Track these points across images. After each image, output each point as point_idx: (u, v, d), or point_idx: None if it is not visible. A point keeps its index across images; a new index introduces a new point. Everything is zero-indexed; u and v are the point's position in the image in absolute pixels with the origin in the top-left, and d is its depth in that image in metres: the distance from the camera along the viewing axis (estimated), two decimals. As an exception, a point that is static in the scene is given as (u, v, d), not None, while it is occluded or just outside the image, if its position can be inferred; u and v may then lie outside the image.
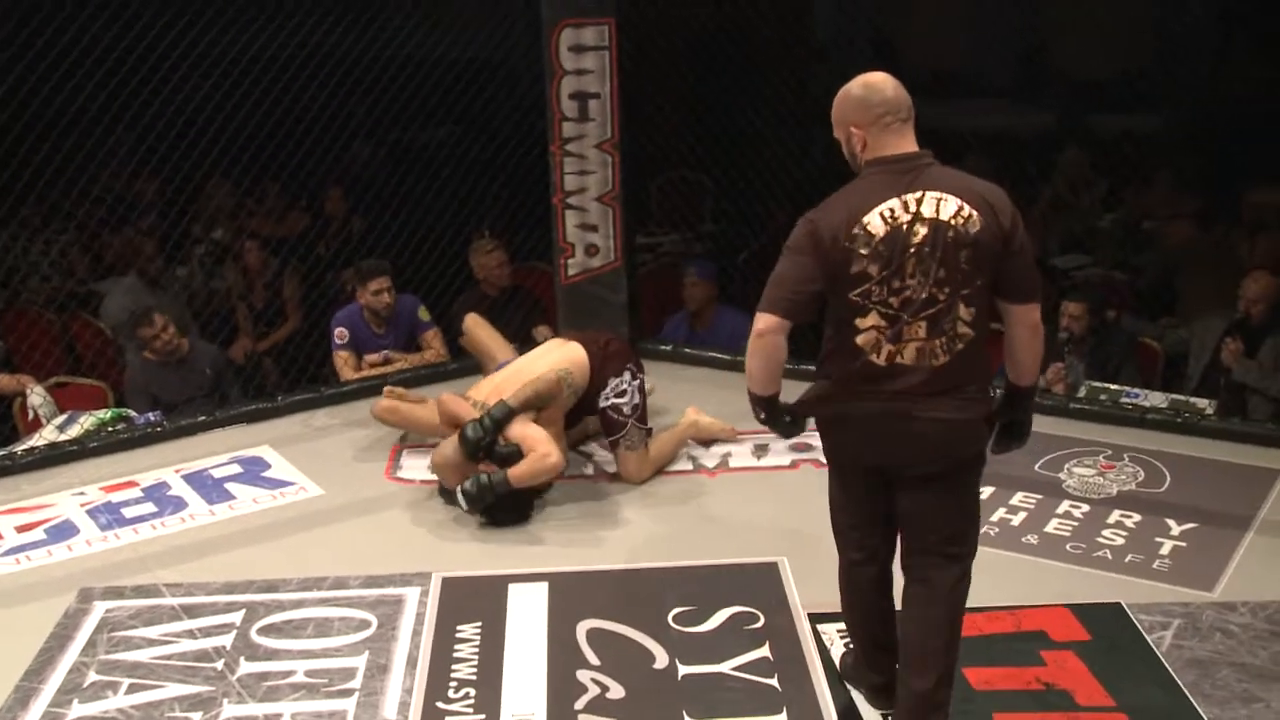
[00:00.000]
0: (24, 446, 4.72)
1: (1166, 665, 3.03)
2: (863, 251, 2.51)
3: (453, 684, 3.08)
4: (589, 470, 4.38)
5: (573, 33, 5.07)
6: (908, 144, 2.58)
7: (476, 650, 3.22)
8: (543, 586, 3.52)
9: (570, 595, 3.47)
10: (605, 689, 3.03)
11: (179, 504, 4.23)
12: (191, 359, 5.20)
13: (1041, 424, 4.09)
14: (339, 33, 5.41)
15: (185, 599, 3.53)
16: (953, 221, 2.50)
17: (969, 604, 2.71)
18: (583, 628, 3.29)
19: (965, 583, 2.69)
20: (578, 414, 4.32)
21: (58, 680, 3.15)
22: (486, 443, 3.94)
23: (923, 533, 2.67)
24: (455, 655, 3.20)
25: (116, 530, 4.04)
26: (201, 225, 6.87)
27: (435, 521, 4.03)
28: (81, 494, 4.33)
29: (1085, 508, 3.93)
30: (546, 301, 5.65)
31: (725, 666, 3.10)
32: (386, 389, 4.65)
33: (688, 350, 5.46)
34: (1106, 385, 4.79)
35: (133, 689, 3.11)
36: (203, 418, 4.90)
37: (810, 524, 3.47)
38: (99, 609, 3.51)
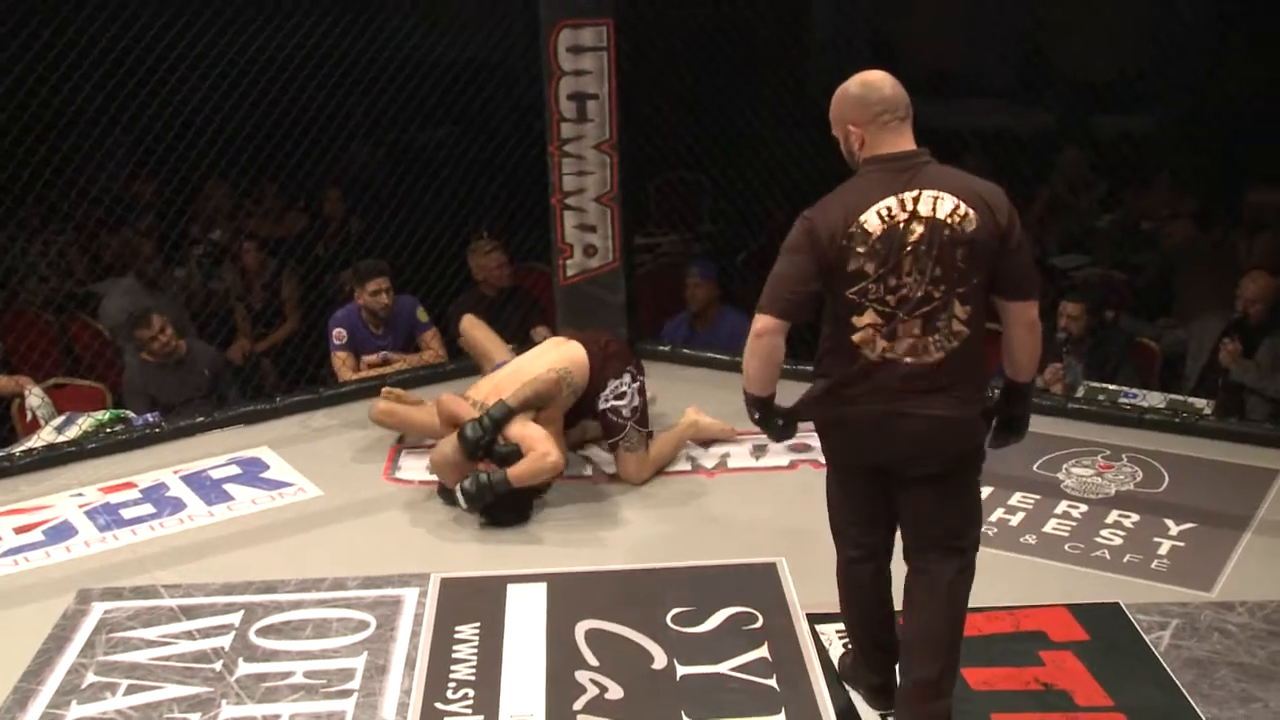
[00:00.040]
0: (22, 448, 4.72)
1: (1165, 665, 3.03)
2: (859, 250, 2.51)
3: (451, 684, 3.08)
4: (587, 471, 4.37)
5: (571, 33, 5.07)
6: (905, 142, 2.58)
7: (475, 651, 3.22)
8: (541, 587, 3.52)
9: (569, 596, 3.47)
10: (604, 689, 3.03)
11: (177, 505, 4.23)
12: (189, 360, 5.20)
13: (1040, 424, 4.09)
14: (337, 33, 5.40)
15: (184, 600, 3.53)
16: (949, 220, 2.50)
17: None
18: (581, 628, 3.29)
19: (968, 574, 2.71)
20: (577, 414, 4.32)
21: (56, 681, 3.15)
22: (485, 442, 3.94)
23: (924, 529, 2.69)
24: (454, 656, 3.20)
25: (115, 531, 4.04)
26: (200, 226, 6.87)
27: (434, 522, 4.03)
28: (80, 495, 4.33)
29: (1083, 508, 3.93)
30: (545, 302, 5.65)
31: (724, 667, 3.10)
32: (384, 390, 4.65)
33: (686, 351, 5.46)
34: (1105, 385, 4.79)
35: (131, 690, 3.11)
36: (201, 419, 4.90)
37: (808, 524, 3.47)
38: (97, 610, 3.51)
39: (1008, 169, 5.43)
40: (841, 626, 3.04)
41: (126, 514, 4.16)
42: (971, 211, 2.51)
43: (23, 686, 3.13)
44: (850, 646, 3.00)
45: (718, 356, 5.30)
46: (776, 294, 2.59)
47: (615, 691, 3.02)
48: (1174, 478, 4.13)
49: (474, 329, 4.79)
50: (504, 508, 3.94)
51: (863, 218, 2.52)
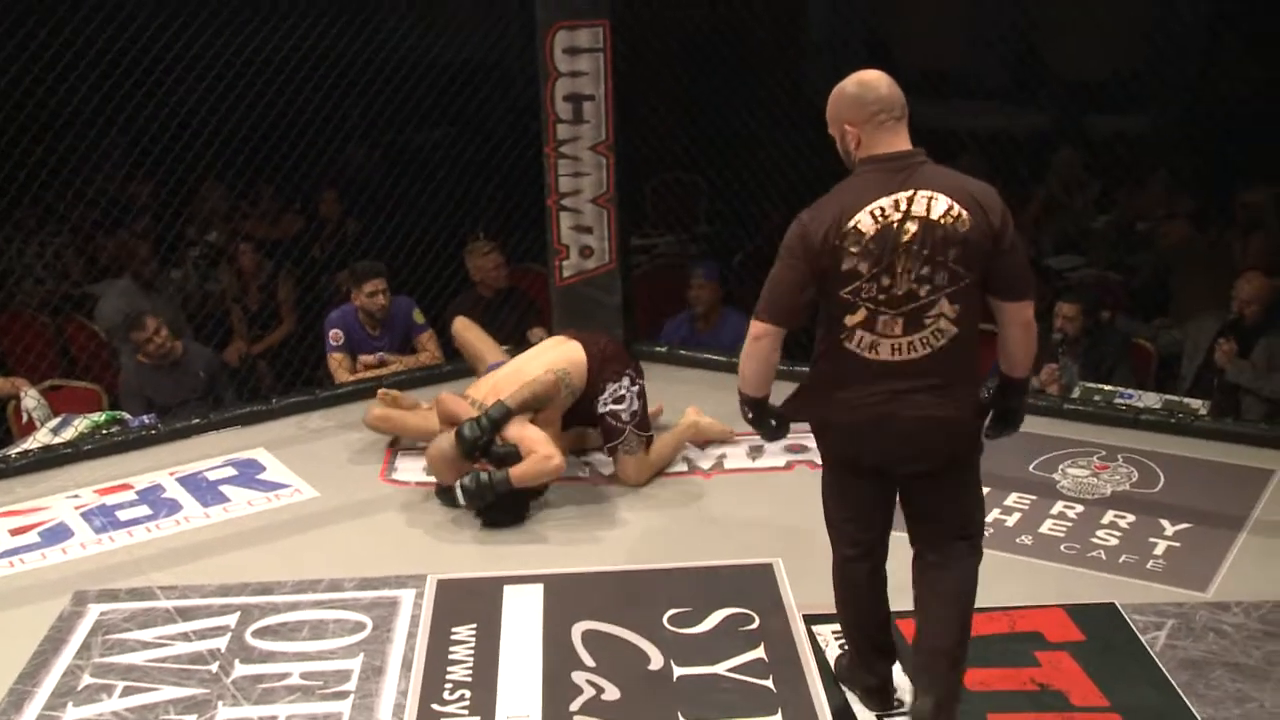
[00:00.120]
0: (18, 449, 4.71)
1: (1160, 665, 3.04)
2: (853, 250, 2.53)
3: (448, 686, 3.08)
4: (584, 473, 4.37)
5: (567, 35, 5.07)
6: (901, 142, 2.60)
7: (471, 652, 3.22)
8: (538, 588, 3.52)
9: (565, 597, 3.47)
10: (600, 690, 3.03)
11: (173, 507, 4.22)
12: (185, 362, 5.20)
13: (1036, 425, 4.12)
14: (333, 34, 5.40)
15: (180, 601, 3.53)
16: (942, 220, 2.52)
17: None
18: (578, 629, 3.29)
19: (977, 556, 2.74)
20: (575, 416, 4.32)
21: (52, 683, 3.15)
22: (483, 443, 3.94)
23: (928, 521, 2.73)
24: (450, 657, 3.20)
25: (111, 533, 4.04)
26: (196, 228, 6.86)
27: (430, 523, 4.03)
28: (76, 497, 4.32)
29: (1079, 508, 3.94)
30: (541, 303, 5.65)
31: (720, 668, 3.11)
32: (380, 392, 4.65)
33: (683, 352, 5.46)
34: (1100, 386, 4.80)
35: (127, 692, 3.11)
36: (197, 420, 4.89)
37: (805, 525, 3.48)
38: (93, 612, 3.50)
39: (1003, 169, 5.44)
40: (838, 627, 3.04)
41: (122, 515, 4.16)
42: (965, 212, 2.52)
43: (18, 688, 3.13)
44: (846, 647, 3.00)
45: (715, 358, 5.30)
46: (772, 300, 2.62)
47: (612, 692, 3.02)
48: (1169, 478, 4.14)
49: (467, 331, 4.79)
50: (502, 508, 3.94)
51: (857, 217, 2.53)
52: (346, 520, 4.09)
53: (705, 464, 4.40)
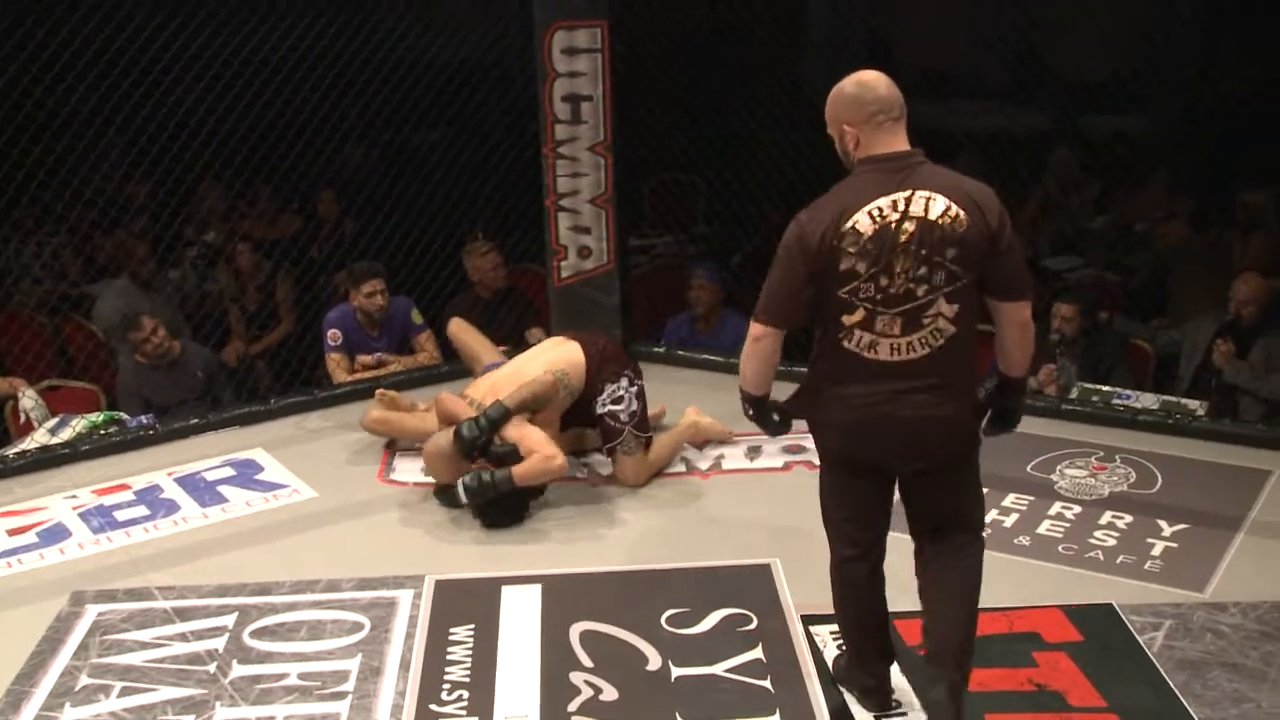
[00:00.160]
0: (15, 450, 4.71)
1: (1158, 666, 3.04)
2: (851, 250, 2.54)
3: (446, 686, 3.08)
4: (582, 473, 4.37)
5: (565, 35, 5.07)
6: (900, 142, 2.61)
7: (470, 653, 3.22)
8: (536, 589, 3.52)
9: (563, 597, 3.47)
10: (598, 691, 3.03)
11: (171, 507, 4.22)
12: (183, 362, 5.19)
13: (1033, 425, 4.12)
14: (331, 34, 5.40)
15: (178, 602, 3.53)
16: (940, 221, 2.53)
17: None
18: (576, 630, 3.29)
19: (980, 547, 2.77)
20: (573, 416, 4.31)
21: (49, 684, 3.15)
22: (482, 442, 3.94)
23: (928, 518, 2.75)
24: (448, 658, 3.20)
25: (109, 533, 4.03)
26: (194, 228, 6.86)
27: (428, 524, 4.03)
28: (73, 497, 4.32)
29: (1077, 509, 3.94)
30: (539, 304, 5.65)
31: (718, 668, 3.11)
32: (379, 392, 4.66)
33: (681, 353, 5.46)
34: (1098, 387, 4.80)
35: (125, 692, 3.11)
36: (195, 420, 4.89)
37: (803, 526, 3.48)
38: (91, 612, 3.50)
39: (1001, 169, 5.44)
40: (836, 628, 3.04)
41: (120, 516, 4.16)
42: (962, 212, 2.53)
43: (16, 689, 3.12)
44: (844, 648, 3.00)
45: (713, 358, 5.30)
46: (771, 302, 2.64)
47: (610, 693, 3.02)
48: (1167, 479, 4.14)
49: (463, 333, 4.78)
50: (502, 509, 3.94)
51: (855, 218, 2.54)
52: (345, 521, 4.09)
53: (703, 464, 4.40)
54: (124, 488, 4.38)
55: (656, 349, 5.48)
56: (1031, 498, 4.01)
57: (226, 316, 6.34)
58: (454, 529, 3.98)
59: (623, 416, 4.19)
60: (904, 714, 2.89)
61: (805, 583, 3.37)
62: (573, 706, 2.97)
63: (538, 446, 3.92)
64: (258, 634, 3.35)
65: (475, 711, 2.97)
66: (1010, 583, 3.40)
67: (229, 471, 4.50)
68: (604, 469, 4.32)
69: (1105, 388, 4.79)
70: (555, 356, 4.24)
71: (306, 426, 4.93)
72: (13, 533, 4.05)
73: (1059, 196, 6.78)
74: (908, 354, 2.57)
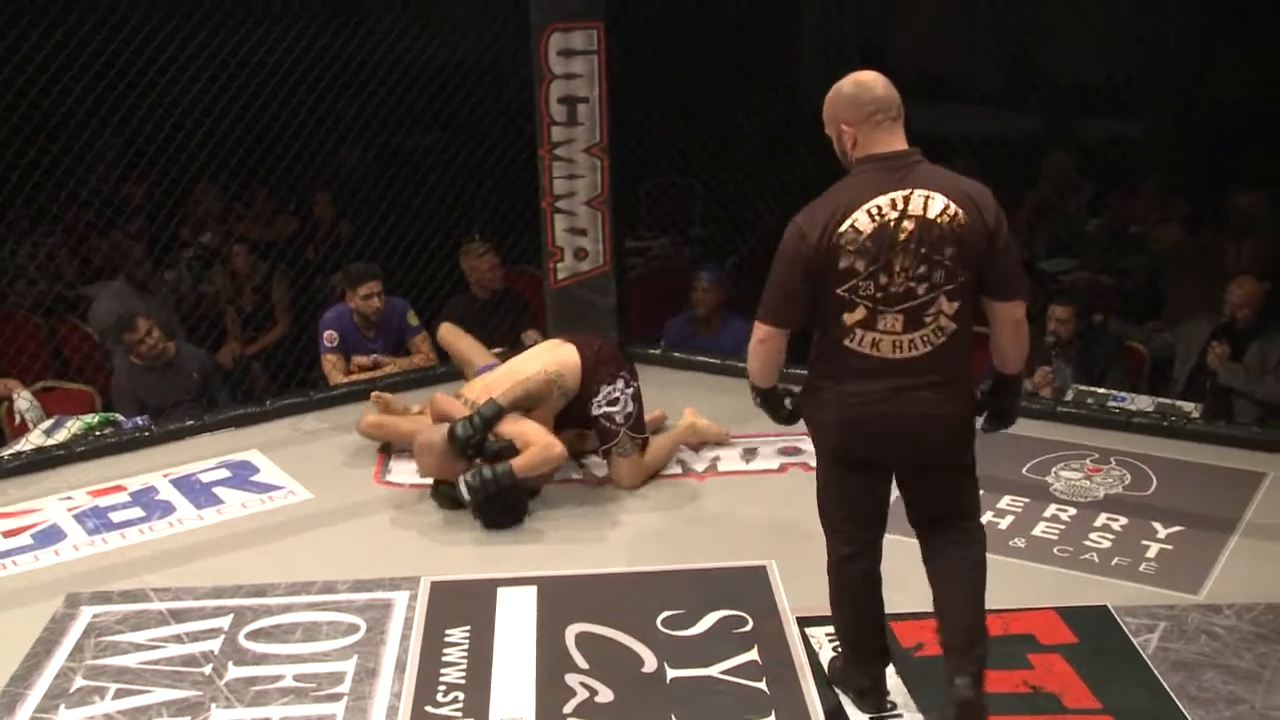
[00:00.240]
0: (10, 451, 4.70)
1: (1152, 668, 3.05)
2: (850, 248, 2.56)
3: (441, 688, 3.08)
4: (579, 474, 4.38)
5: (561, 37, 5.08)
6: (898, 142, 2.63)
7: (465, 654, 3.22)
8: (531, 590, 3.52)
9: (559, 599, 3.47)
10: (594, 692, 3.03)
11: (167, 508, 4.22)
12: (179, 363, 5.19)
13: (1029, 427, 4.13)
14: (327, 36, 5.40)
15: (173, 604, 3.53)
16: (939, 219, 2.55)
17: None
18: (571, 631, 3.29)
19: (981, 528, 2.81)
20: (568, 418, 4.32)
21: (44, 685, 3.14)
22: (476, 440, 3.94)
23: (928, 510, 2.77)
24: (444, 659, 3.20)
25: (104, 535, 4.03)
26: (190, 229, 6.85)
27: (424, 525, 4.03)
28: (69, 499, 4.32)
29: (1072, 511, 3.95)
30: (536, 305, 5.65)
31: (714, 670, 3.11)
32: (374, 395, 4.66)
33: (678, 354, 5.46)
34: (1093, 389, 4.81)
35: (120, 694, 3.10)
36: (191, 422, 4.88)
37: (798, 527, 3.49)
38: (86, 614, 3.50)
39: (996, 173, 5.45)
40: (831, 629, 3.05)
41: (115, 517, 4.15)
42: (961, 211, 2.56)
43: (10, 690, 3.12)
44: (840, 649, 3.00)
45: (710, 360, 5.30)
46: (773, 303, 2.67)
47: (605, 694, 3.02)
48: (1162, 481, 4.15)
49: (456, 340, 4.77)
50: (502, 509, 3.94)
51: (854, 216, 2.56)
52: (340, 522, 4.09)
53: (699, 466, 4.40)
54: (119, 489, 4.38)
55: (653, 351, 5.48)
56: (1027, 500, 4.01)
57: (222, 318, 6.33)
58: (450, 531, 3.98)
59: (618, 418, 4.19)
60: (899, 716, 2.90)
61: (801, 584, 3.37)
62: (568, 708, 2.97)
63: (535, 438, 3.93)
64: (253, 636, 3.35)
65: (471, 713, 2.97)
66: (1005, 585, 3.39)
67: (224, 473, 4.49)
68: (600, 470, 4.33)
69: (1100, 390, 4.80)
70: (551, 358, 4.24)
71: (302, 428, 4.93)
72: (8, 534, 4.05)
73: (1054, 199, 6.80)
74: (909, 351, 2.59)
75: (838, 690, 2.99)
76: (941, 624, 2.77)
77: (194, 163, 5.62)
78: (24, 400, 5.04)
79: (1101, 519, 3.88)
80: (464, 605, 3.46)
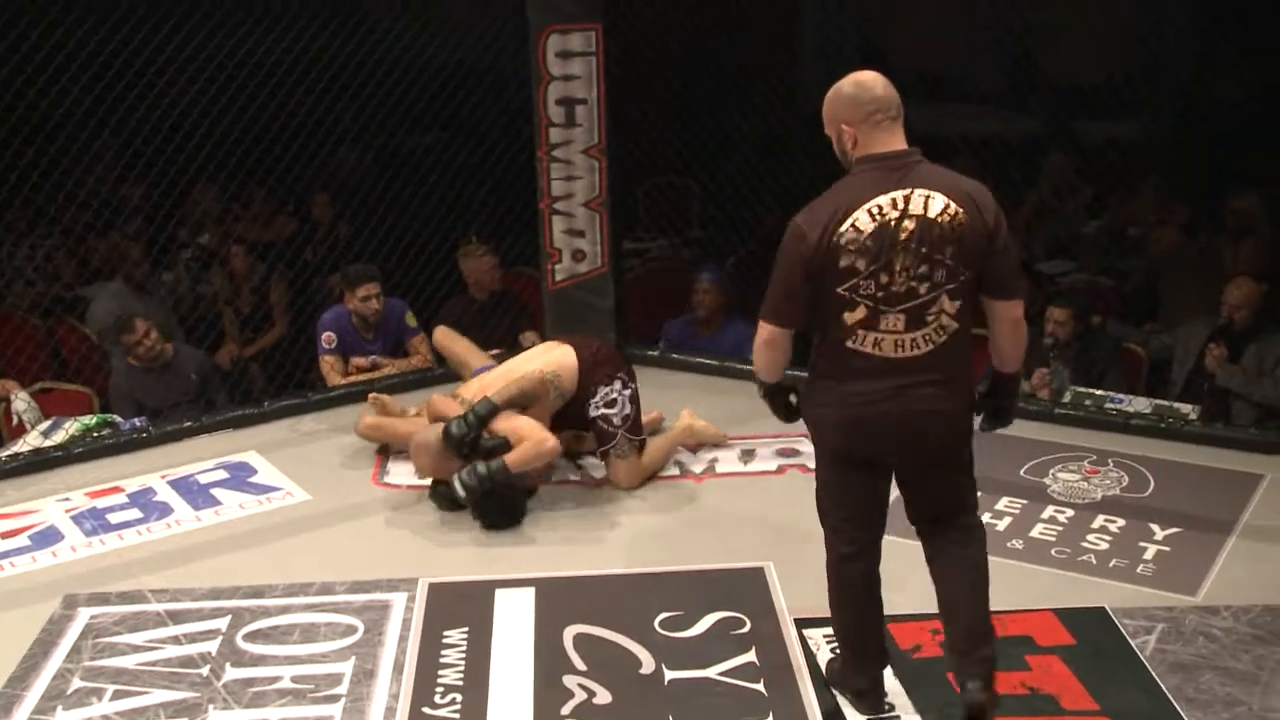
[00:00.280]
0: (8, 452, 4.70)
1: (1150, 669, 3.05)
2: (850, 247, 2.57)
3: (439, 689, 3.08)
4: (575, 476, 4.37)
5: (559, 38, 5.07)
6: (897, 141, 2.64)
7: (463, 656, 3.22)
8: (529, 592, 3.52)
9: (557, 600, 3.47)
10: (592, 694, 3.03)
11: (164, 510, 4.21)
12: (177, 364, 5.19)
13: (1027, 429, 4.13)
14: (325, 37, 5.40)
15: (171, 605, 3.52)
16: (939, 219, 2.56)
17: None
18: (569, 633, 3.29)
19: (981, 525, 2.81)
20: (564, 419, 4.31)
21: (42, 687, 3.14)
22: (470, 438, 3.94)
23: (928, 508, 2.78)
24: (442, 661, 3.20)
25: (102, 536, 4.03)
26: (188, 230, 6.85)
27: (422, 527, 4.03)
28: (66, 500, 4.31)
29: (1070, 512, 3.95)
30: (534, 307, 5.65)
31: (712, 671, 3.11)
32: (371, 396, 4.66)
33: (676, 356, 5.46)
34: (1091, 390, 4.81)
35: (118, 695, 3.10)
36: (189, 423, 4.88)
37: (796, 529, 3.49)
38: (84, 615, 3.49)
39: (995, 173, 5.45)
40: (829, 631, 3.05)
41: (113, 519, 4.15)
42: (961, 210, 2.57)
43: (8, 692, 3.12)
44: (838, 651, 3.01)
45: (708, 362, 5.29)
46: (775, 304, 2.68)
47: (603, 696, 3.02)
48: (1160, 482, 4.15)
49: (452, 343, 4.76)
50: (500, 508, 3.94)
51: (854, 216, 2.57)
52: (338, 523, 4.09)
53: (697, 468, 4.40)
54: (117, 490, 4.37)
55: (651, 352, 5.48)
56: (1024, 501, 4.01)
57: (220, 319, 6.33)
58: (448, 532, 3.98)
59: (615, 420, 4.19)
60: (897, 717, 2.90)
61: (799, 586, 3.38)
62: (566, 710, 2.97)
63: (529, 433, 3.93)
64: (251, 637, 3.35)
65: (468, 715, 2.97)
66: (1003, 586, 3.38)
67: (222, 474, 4.49)
68: (597, 472, 4.33)
69: (1098, 392, 4.80)
70: (548, 359, 4.24)
71: (300, 429, 4.93)
72: (5, 535, 4.04)
73: (1053, 201, 6.80)
74: (911, 350, 2.60)
75: (835, 692, 2.99)
76: (946, 624, 2.78)
77: (192, 163, 5.62)
78: (22, 401, 5.04)
79: (1099, 520, 3.88)
80: (462, 606, 3.46)
